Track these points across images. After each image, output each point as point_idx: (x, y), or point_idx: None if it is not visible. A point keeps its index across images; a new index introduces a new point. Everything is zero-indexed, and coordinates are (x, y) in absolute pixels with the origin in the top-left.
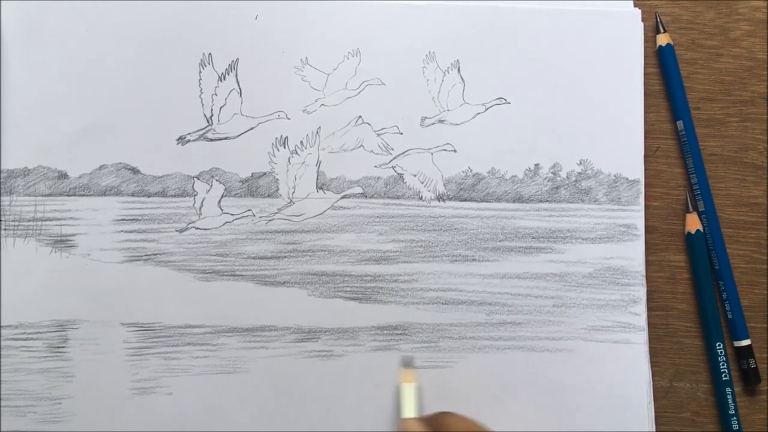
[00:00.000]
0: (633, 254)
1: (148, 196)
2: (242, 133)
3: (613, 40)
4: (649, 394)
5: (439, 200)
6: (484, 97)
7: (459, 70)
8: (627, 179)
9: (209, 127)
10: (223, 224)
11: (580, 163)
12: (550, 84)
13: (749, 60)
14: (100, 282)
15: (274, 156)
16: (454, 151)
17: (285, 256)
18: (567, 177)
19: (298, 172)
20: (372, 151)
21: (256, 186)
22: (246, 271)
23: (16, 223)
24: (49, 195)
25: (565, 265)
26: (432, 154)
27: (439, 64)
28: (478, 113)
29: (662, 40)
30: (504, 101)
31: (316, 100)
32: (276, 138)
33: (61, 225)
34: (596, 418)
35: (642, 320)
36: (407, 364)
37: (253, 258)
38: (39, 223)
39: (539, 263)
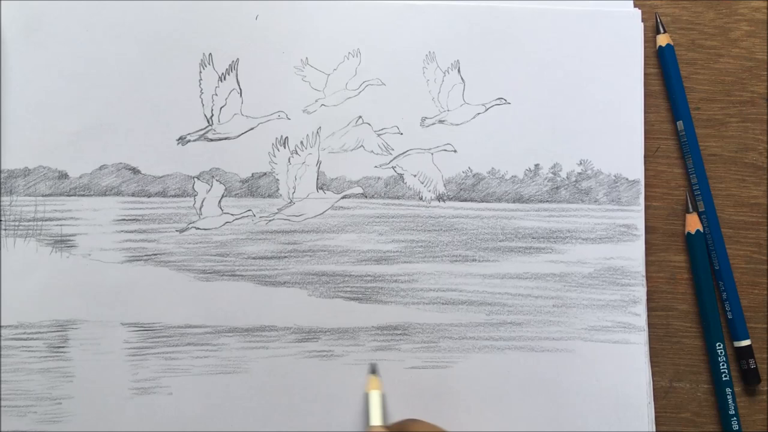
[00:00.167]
0: (633, 254)
1: (149, 196)
2: (242, 133)
3: (613, 40)
4: (649, 394)
5: (439, 200)
6: (484, 98)
7: (459, 71)
8: (627, 179)
9: (209, 127)
10: (224, 224)
11: (580, 163)
12: (550, 84)
13: (749, 60)
14: (101, 282)
15: (275, 156)
16: (455, 151)
17: (285, 256)
18: (567, 177)
19: (298, 172)
20: (372, 152)
21: (256, 186)
22: (246, 271)
23: (17, 223)
24: (50, 195)
25: (565, 265)
26: (432, 154)
27: (439, 65)
28: (478, 113)
29: (662, 40)
30: (504, 101)
31: (316, 101)
32: (276, 138)
33: (61, 225)
34: (596, 418)
35: (642, 320)
36: (373, 371)
37: (254, 258)
38: (39, 223)
39: (539, 263)
